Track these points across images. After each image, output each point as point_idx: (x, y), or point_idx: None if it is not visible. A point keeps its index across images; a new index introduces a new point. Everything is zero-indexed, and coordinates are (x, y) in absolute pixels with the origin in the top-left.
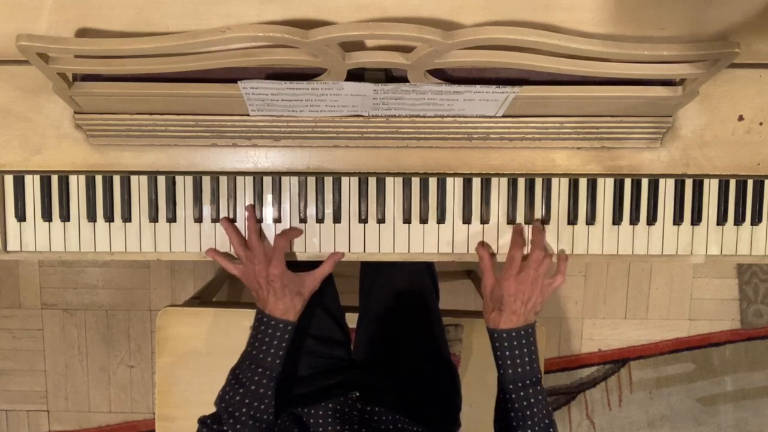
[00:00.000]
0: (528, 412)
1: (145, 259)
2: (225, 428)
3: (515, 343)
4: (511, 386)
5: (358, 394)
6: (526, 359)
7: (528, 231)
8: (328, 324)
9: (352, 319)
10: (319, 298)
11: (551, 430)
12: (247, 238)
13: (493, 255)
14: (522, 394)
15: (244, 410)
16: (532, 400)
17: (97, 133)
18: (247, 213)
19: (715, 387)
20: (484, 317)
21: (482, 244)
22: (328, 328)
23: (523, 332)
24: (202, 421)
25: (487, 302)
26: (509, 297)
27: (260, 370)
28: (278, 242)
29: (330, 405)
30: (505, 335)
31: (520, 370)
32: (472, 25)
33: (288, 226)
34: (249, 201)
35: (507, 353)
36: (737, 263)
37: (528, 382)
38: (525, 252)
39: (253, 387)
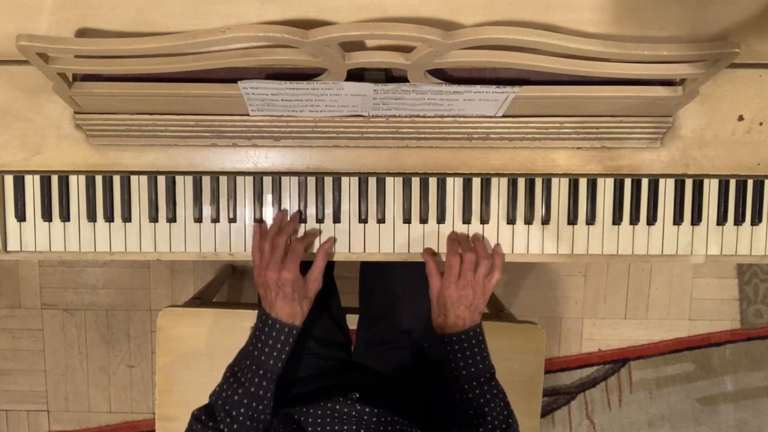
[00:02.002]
0: (486, 408)
1: (145, 259)
2: (221, 426)
3: (465, 345)
4: (466, 386)
5: (357, 395)
6: (478, 358)
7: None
8: (328, 325)
9: (352, 320)
10: (320, 299)
11: (510, 420)
12: (277, 236)
13: (437, 260)
14: (478, 391)
15: (242, 411)
16: (488, 396)
17: (97, 133)
18: (291, 215)
19: (715, 387)
20: (433, 323)
21: (428, 251)
22: (329, 330)
23: (471, 333)
24: (197, 418)
25: (434, 308)
26: (452, 304)
27: (261, 372)
28: (296, 246)
29: (329, 405)
30: (455, 338)
31: (473, 369)
32: (472, 25)
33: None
34: (249, 201)
35: (459, 356)
36: (737, 263)
37: (482, 379)
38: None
39: (252, 389)
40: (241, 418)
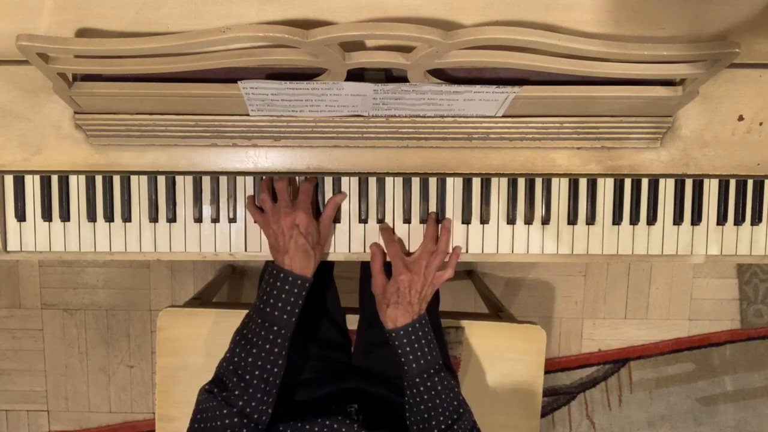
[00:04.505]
0: (437, 400)
1: (145, 259)
2: (235, 391)
3: (413, 337)
4: (417, 379)
5: (356, 406)
6: (426, 350)
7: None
8: (328, 327)
9: (352, 321)
10: (319, 300)
11: (461, 410)
12: (276, 185)
13: (384, 255)
14: (429, 384)
15: (256, 373)
16: (439, 388)
17: (97, 133)
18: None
19: (715, 387)
20: (381, 318)
21: (376, 245)
22: (329, 331)
23: (417, 325)
24: (207, 390)
25: (380, 301)
26: (405, 289)
27: (275, 328)
28: (304, 188)
29: (326, 423)
30: (402, 332)
31: (422, 361)
32: (472, 25)
33: None
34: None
35: (408, 349)
36: (737, 263)
37: (432, 371)
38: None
39: (267, 346)
40: (255, 381)
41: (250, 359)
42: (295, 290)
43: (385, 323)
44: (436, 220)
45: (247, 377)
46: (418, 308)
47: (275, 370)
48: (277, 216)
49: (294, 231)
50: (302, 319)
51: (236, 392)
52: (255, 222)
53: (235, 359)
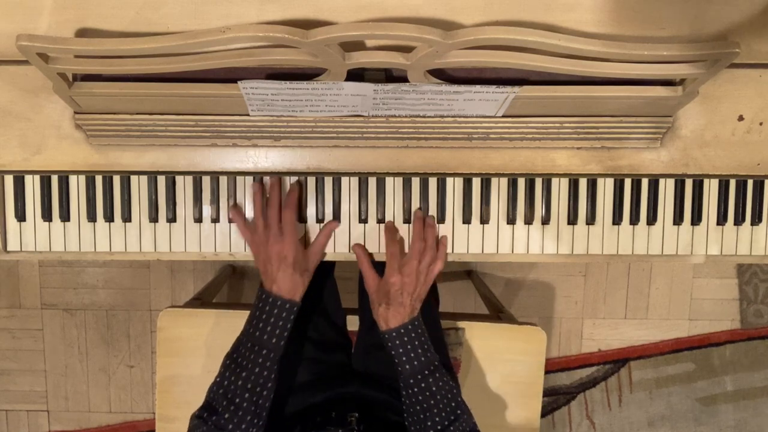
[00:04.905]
0: (432, 401)
1: (145, 259)
2: (225, 415)
3: (406, 338)
4: (412, 381)
5: (357, 415)
6: (419, 350)
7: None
8: (327, 328)
9: (353, 321)
10: (319, 301)
11: (459, 411)
12: (267, 209)
13: (371, 254)
14: (423, 385)
15: (246, 396)
16: (434, 388)
17: (97, 133)
18: (269, 182)
19: (715, 387)
20: (374, 317)
21: (359, 246)
22: (328, 333)
23: (410, 326)
24: (198, 416)
25: (373, 299)
26: (396, 291)
27: (264, 351)
28: (287, 216)
29: None
30: (395, 334)
31: (416, 363)
32: (472, 25)
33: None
34: (249, 201)
35: (401, 350)
36: (737, 263)
37: (427, 372)
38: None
39: (257, 369)
40: (245, 404)
41: (239, 382)
42: (283, 314)
43: (378, 323)
44: (423, 218)
45: (237, 400)
46: (411, 309)
47: (264, 393)
48: (265, 245)
49: (282, 263)
50: (301, 321)
51: (226, 416)
52: (246, 242)
53: (225, 383)
